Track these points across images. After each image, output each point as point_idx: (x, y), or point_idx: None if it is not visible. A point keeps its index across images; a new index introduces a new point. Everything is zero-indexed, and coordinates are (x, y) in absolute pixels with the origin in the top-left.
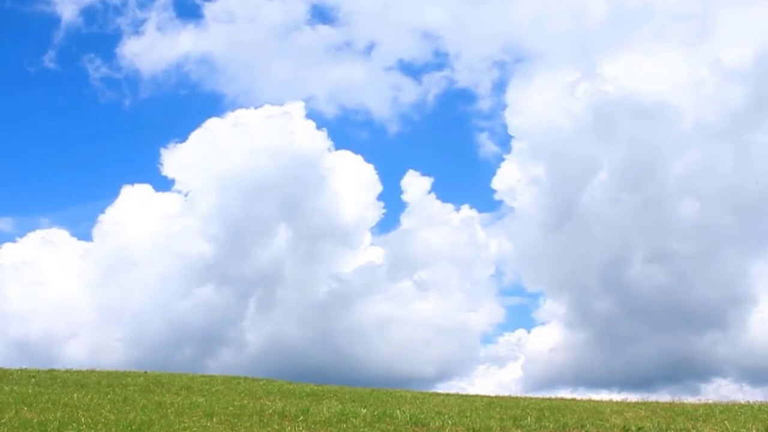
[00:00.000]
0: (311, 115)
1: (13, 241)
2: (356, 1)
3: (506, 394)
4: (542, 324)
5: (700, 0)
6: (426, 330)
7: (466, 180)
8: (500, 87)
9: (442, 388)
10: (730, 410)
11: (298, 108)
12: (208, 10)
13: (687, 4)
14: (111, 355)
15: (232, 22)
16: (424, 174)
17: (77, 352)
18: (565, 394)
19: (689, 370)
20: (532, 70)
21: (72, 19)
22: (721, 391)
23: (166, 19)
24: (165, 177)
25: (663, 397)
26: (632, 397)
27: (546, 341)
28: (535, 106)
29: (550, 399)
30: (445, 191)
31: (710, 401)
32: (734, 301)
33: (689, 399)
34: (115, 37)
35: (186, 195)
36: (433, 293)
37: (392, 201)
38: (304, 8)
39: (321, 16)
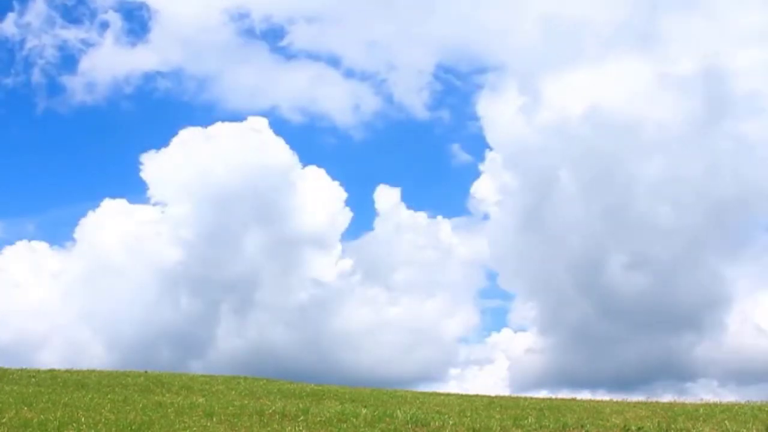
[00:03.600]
0: (276, 125)
1: None
2: (311, 13)
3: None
4: (519, 327)
5: (645, 12)
6: (402, 335)
7: (438, 188)
8: (467, 99)
9: None
10: (730, 410)
11: (263, 119)
12: (167, 22)
13: (634, 15)
14: (89, 361)
15: (190, 35)
16: (393, 185)
17: (52, 356)
18: (545, 396)
19: (668, 372)
20: (499, 81)
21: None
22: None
23: (125, 31)
24: (141, 186)
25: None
26: (613, 398)
27: (522, 344)
28: (503, 117)
29: (550, 399)
30: (416, 199)
31: (711, 401)
32: (711, 303)
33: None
34: (79, 49)
35: (160, 204)
36: (407, 299)
37: (362, 210)
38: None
39: (275, 28)
